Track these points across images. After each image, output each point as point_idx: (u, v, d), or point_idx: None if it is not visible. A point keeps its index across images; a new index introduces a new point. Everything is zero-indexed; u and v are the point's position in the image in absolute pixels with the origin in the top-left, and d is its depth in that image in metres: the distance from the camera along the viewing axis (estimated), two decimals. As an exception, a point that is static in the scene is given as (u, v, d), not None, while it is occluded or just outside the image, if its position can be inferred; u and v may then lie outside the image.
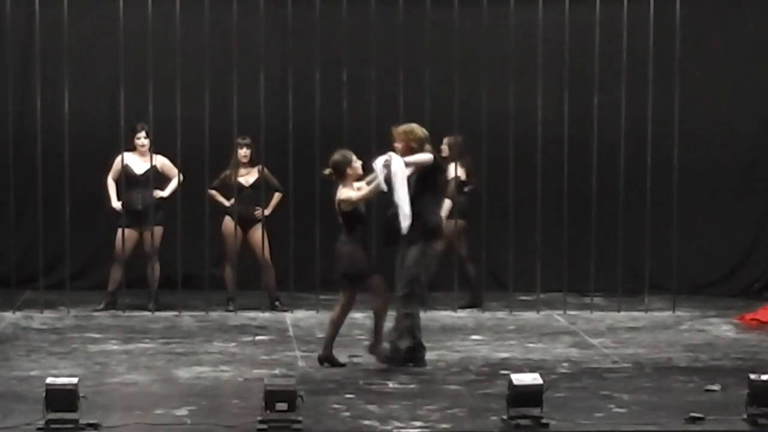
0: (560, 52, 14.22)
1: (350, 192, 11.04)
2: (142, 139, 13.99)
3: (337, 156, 11.17)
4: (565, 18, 14.11)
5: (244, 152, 14.11)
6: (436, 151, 11.73)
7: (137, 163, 14.03)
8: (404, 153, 11.25)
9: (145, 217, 13.95)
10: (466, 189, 14.31)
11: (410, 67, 14.15)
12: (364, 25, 14.07)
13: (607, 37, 14.17)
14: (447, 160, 13.60)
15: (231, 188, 14.11)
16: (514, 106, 14.19)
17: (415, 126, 11.53)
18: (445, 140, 14.08)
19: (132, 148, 14.02)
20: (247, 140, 14.09)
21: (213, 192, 14.12)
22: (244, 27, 13.94)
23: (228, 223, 14.13)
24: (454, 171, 14.01)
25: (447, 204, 13.72)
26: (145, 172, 14.00)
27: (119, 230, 13.96)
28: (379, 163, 11.09)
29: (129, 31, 13.90)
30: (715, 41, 15.37)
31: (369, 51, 14.15)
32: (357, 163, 11.17)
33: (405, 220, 10.95)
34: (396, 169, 10.99)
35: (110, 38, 14.11)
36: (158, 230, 14.02)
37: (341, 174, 11.10)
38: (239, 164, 14.16)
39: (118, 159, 13.97)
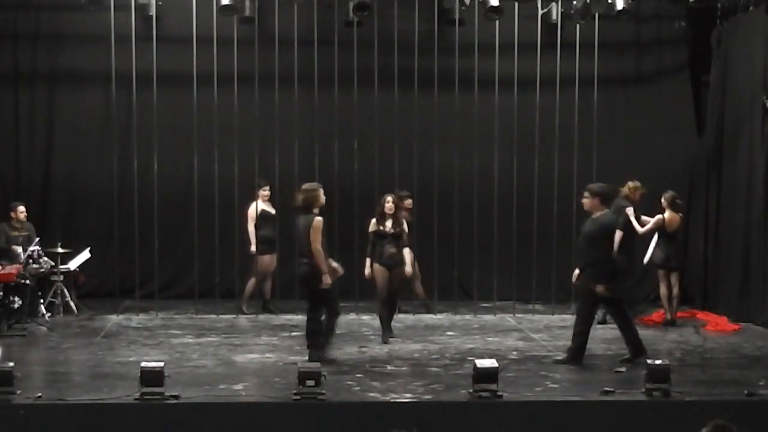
0: (511, 127, 14.25)
1: None
2: (267, 190, 13.80)
3: None
4: (514, 103, 14.16)
5: (390, 205, 12.11)
6: None
7: (267, 206, 13.77)
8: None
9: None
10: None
11: (402, 138, 14.14)
12: (369, 107, 14.12)
13: (545, 116, 14.19)
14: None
15: None
16: (477, 165, 14.20)
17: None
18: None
19: (256, 197, 13.71)
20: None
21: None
22: (283, 107, 13.91)
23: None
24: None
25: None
26: (275, 213, 13.77)
27: (263, 256, 13.61)
28: None
29: (201, 112, 13.93)
30: (621, 118, 15.41)
31: (372, 126, 14.21)
32: None
33: None
34: None
35: (187, 117, 14.09)
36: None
37: None
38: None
39: (252, 207, 13.70)
